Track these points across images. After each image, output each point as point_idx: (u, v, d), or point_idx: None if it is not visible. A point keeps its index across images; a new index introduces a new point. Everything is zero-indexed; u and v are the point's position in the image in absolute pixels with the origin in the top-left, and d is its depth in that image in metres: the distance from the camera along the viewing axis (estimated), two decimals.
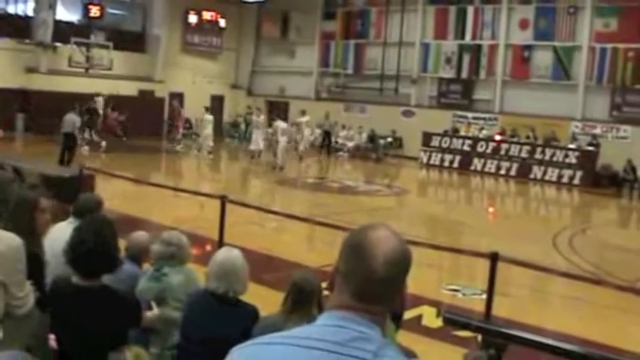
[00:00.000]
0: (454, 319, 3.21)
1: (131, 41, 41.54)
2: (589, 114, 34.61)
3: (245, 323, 5.16)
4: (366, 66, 42.39)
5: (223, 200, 11.97)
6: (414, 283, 10.93)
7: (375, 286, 2.22)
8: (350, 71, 42.95)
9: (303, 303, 5.11)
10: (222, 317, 5.25)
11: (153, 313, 5.73)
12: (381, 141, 38.63)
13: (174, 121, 37.47)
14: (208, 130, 31.81)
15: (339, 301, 2.27)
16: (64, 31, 36.94)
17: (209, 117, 32.44)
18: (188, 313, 5.47)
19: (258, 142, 32.00)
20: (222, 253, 5.56)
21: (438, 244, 12.58)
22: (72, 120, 24.58)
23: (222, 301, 5.28)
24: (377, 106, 40.40)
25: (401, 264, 2.26)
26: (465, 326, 3.13)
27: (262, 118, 34.42)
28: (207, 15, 44.57)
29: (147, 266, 6.42)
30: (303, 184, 25.29)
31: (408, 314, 9.30)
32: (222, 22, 45.41)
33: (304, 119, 33.76)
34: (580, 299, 11.69)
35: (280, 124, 30.13)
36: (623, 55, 33.84)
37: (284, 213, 13.43)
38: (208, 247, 12.34)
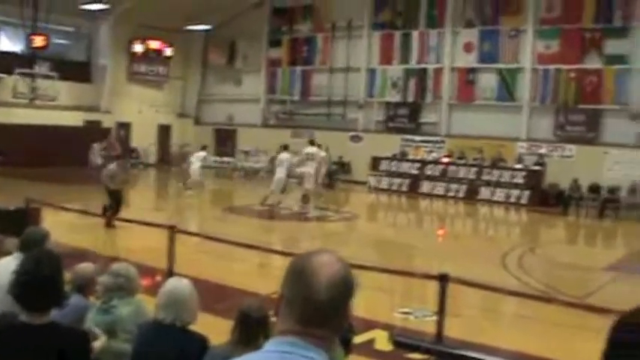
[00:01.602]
0: (404, 342, 3.20)
1: (76, 71, 41.05)
2: (534, 134, 35.08)
3: (194, 353, 5.10)
4: (313, 92, 42.52)
5: (172, 230, 11.87)
6: (365, 307, 10.95)
7: (319, 310, 2.21)
8: (297, 97, 43.05)
9: (251, 331, 5.06)
10: (171, 348, 5.18)
11: (100, 342, 5.63)
12: (332, 166, 38.68)
13: (109, 151, 36.81)
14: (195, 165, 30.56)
15: (284, 326, 2.26)
16: (7, 62, 36.34)
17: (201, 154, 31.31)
18: (137, 344, 5.40)
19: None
20: (171, 283, 5.51)
21: (389, 267, 12.58)
22: None
23: (171, 331, 5.21)
24: (325, 131, 40.44)
25: (344, 288, 2.26)
26: (415, 349, 3.12)
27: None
28: (153, 44, 44.32)
29: (93, 299, 6.32)
30: (252, 211, 25.17)
31: (360, 338, 9.27)
32: (168, 51, 45.20)
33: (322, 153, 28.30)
34: (531, 317, 11.76)
35: (282, 155, 27.31)
36: (566, 75, 34.43)
37: (233, 241, 13.33)
38: (158, 278, 12.21)
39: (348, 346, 4.27)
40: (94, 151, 34.83)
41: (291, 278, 2.29)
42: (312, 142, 28.34)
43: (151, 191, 30.77)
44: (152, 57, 44.60)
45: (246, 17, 43.52)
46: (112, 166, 20.79)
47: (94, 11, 39.57)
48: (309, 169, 25.92)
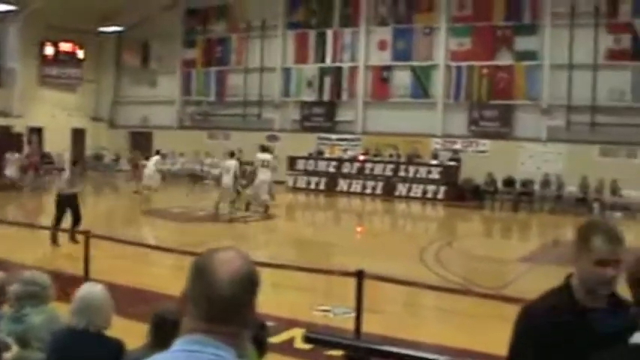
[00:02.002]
0: (315, 339, 3.21)
1: None
2: (449, 130, 35.59)
3: (110, 358, 5.02)
4: (228, 93, 42.33)
5: (87, 235, 11.68)
6: (285, 307, 10.91)
7: (222, 306, 2.21)
8: (212, 98, 42.79)
9: (166, 334, 4.97)
10: (86, 354, 5.08)
11: (12, 352, 5.50)
12: (247, 167, 38.53)
13: (31, 158, 36.08)
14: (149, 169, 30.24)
15: (190, 325, 2.26)
16: None
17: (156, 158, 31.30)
18: (51, 352, 5.28)
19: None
20: (84, 289, 5.40)
21: (308, 266, 12.58)
22: None
23: (84, 336, 5.11)
24: (241, 132, 40.34)
25: (247, 284, 2.26)
26: (326, 344, 3.14)
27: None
28: (64, 46, 43.42)
29: (6, 308, 6.16)
30: (170, 214, 24.94)
31: (279, 338, 9.28)
32: (80, 54, 44.37)
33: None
34: (450, 310, 11.89)
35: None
36: (478, 72, 35.03)
37: (149, 244, 13.18)
38: (74, 284, 11.97)
39: (262, 346, 4.23)
40: (9, 163, 33.96)
41: (194, 276, 2.28)
42: (264, 149, 28.28)
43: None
44: (64, 59, 43.70)
45: (160, 18, 43.07)
46: (67, 173, 19.88)
47: (1, 12, 38.67)
48: (264, 177, 26.10)
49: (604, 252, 3.29)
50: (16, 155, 34.65)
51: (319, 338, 3.20)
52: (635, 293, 2.90)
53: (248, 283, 2.27)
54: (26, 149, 38.46)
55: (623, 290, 3.18)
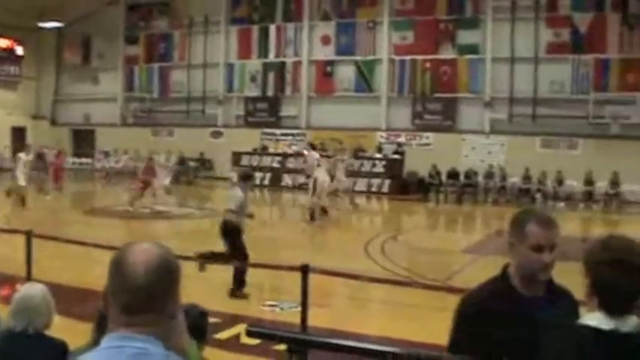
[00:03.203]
0: (257, 332, 3.21)
1: None
2: (393, 124, 35.81)
3: (52, 358, 4.92)
4: (171, 89, 42.04)
5: (28, 235, 11.49)
6: (232, 302, 10.83)
7: (139, 297, 2.21)
8: (156, 95, 42.46)
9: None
10: (26, 355, 4.98)
11: None
12: (191, 163, 38.36)
13: None
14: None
15: (114, 320, 2.25)
16: None
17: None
18: None
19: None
20: (22, 290, 5.29)
21: (254, 261, 12.54)
22: None
23: (24, 338, 5.01)
24: (185, 128, 40.13)
25: (163, 272, 2.25)
26: (268, 337, 3.15)
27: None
28: (2, 43, 42.67)
29: None
30: (113, 212, 24.65)
31: (226, 334, 9.22)
32: (19, 50, 43.70)
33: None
34: (396, 302, 11.93)
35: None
36: (421, 65, 35.25)
37: (91, 243, 12.99)
38: (16, 286, 11.77)
39: (202, 334, 4.19)
40: None
41: (112, 271, 2.27)
42: (313, 147, 28.35)
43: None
44: (2, 57, 42.99)
45: (101, 14, 42.55)
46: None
47: None
48: (320, 175, 24.11)
49: (539, 237, 3.35)
50: None
51: (261, 332, 3.20)
52: (589, 276, 2.93)
53: (164, 273, 2.25)
54: None
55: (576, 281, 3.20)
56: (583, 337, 2.84)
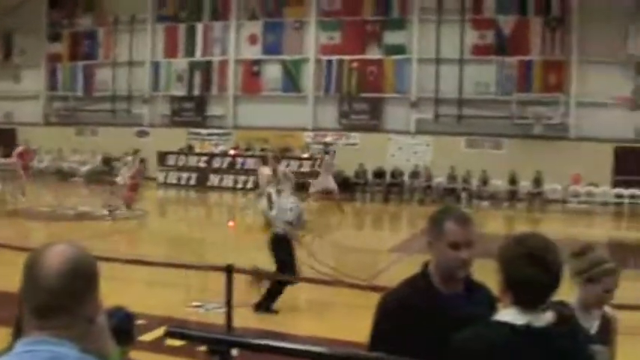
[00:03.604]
0: (177, 333, 3.18)
1: None
2: (320, 123, 35.91)
3: None
4: (96, 87, 41.38)
5: None
6: (158, 305, 10.69)
7: (51, 300, 2.15)
8: (80, 94, 41.71)
9: None
10: None
11: None
12: (116, 163, 37.86)
13: None
14: None
15: (27, 324, 2.20)
16: None
17: None
18: None
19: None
20: None
21: (178, 262, 12.40)
22: None
23: None
24: (110, 127, 39.58)
25: (77, 274, 2.20)
26: (188, 338, 3.13)
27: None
28: None
29: None
30: (35, 214, 24.18)
31: (151, 335, 9.10)
32: None
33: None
34: (322, 302, 11.95)
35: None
36: (348, 66, 35.41)
37: (9, 245, 12.71)
38: None
39: (129, 337, 4.11)
40: None
41: (25, 273, 2.22)
42: (264, 161, 26.95)
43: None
44: None
45: (23, 10, 41.52)
46: None
47: None
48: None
49: (456, 234, 3.41)
50: None
51: (181, 333, 3.18)
52: (503, 272, 2.97)
53: (79, 275, 2.20)
54: None
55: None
56: (496, 333, 2.87)
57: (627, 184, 31.70)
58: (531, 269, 2.86)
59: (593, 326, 4.17)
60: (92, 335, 2.26)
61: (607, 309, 4.30)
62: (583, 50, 32.45)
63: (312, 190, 27.38)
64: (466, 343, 2.90)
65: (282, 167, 23.67)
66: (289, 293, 12.65)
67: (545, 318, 2.91)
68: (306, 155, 33.63)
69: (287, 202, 12.54)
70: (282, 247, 11.82)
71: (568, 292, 4.17)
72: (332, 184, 27.54)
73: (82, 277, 2.20)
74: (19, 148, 31.34)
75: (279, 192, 18.85)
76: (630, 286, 10.79)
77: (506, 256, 2.96)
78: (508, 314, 2.90)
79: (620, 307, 5.51)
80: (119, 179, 26.91)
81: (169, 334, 3.21)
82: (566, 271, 3.36)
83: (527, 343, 2.82)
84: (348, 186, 32.05)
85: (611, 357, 4.27)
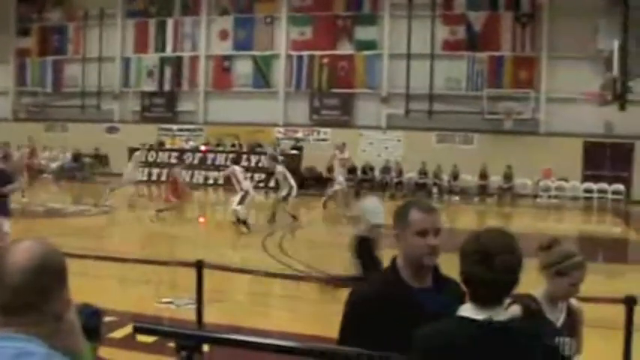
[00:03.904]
0: (143, 328, 3.17)
1: None
2: (291, 119, 35.92)
3: None
4: (66, 83, 41.09)
5: None
6: (129, 301, 10.63)
7: (16, 297, 2.14)
8: (49, 89, 41.37)
9: None
10: None
11: None
12: (86, 159, 37.63)
13: None
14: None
15: None
16: None
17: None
18: None
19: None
20: None
21: (149, 258, 12.35)
22: None
23: None
24: (79, 123, 39.30)
25: (43, 271, 2.18)
26: (155, 334, 3.12)
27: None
28: None
29: None
30: None
31: (121, 332, 9.04)
32: None
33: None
34: (294, 297, 11.94)
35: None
36: (319, 61, 35.41)
37: None
38: None
39: (96, 334, 4.09)
40: None
41: None
42: (235, 161, 25.41)
43: None
44: None
45: None
46: None
47: None
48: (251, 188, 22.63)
49: (423, 222, 3.44)
50: None
51: (148, 328, 3.17)
52: (461, 268, 2.98)
53: (45, 272, 2.19)
54: None
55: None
56: (457, 328, 2.87)
57: (596, 179, 32.04)
58: (483, 268, 2.87)
59: (559, 318, 4.22)
60: (61, 332, 2.25)
61: (573, 301, 4.35)
62: (553, 46, 32.72)
63: (335, 188, 26.95)
64: (427, 338, 2.91)
65: (280, 167, 23.34)
66: (260, 288, 12.65)
67: (508, 312, 2.92)
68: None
69: (375, 204, 12.00)
70: (366, 250, 11.19)
71: (535, 284, 4.21)
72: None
73: (48, 274, 2.19)
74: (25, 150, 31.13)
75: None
76: (599, 280, 10.86)
77: (463, 253, 2.98)
78: (469, 309, 2.91)
79: (588, 299, 5.56)
80: (126, 178, 26.54)
81: (137, 330, 3.21)
82: (532, 265, 3.39)
83: (488, 338, 2.82)
84: (319, 182, 32.05)
85: (577, 348, 4.31)
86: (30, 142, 35.80)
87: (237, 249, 17.05)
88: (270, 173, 26.09)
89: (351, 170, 32.34)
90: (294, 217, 22.64)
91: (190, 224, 23.89)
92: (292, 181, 22.70)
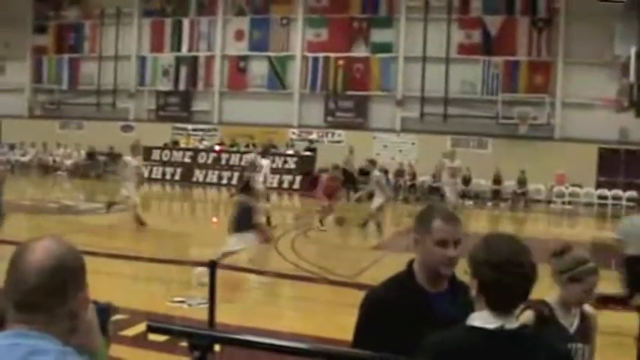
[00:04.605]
0: (157, 328, 3.17)
1: None
2: (305, 120, 35.90)
3: None
4: (81, 81, 41.24)
5: None
6: (141, 299, 10.63)
7: (31, 295, 2.15)
8: (65, 87, 41.52)
9: None
10: None
11: None
12: (101, 157, 37.72)
13: None
14: None
15: (10, 318, 2.19)
16: None
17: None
18: None
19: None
20: None
21: (163, 257, 12.36)
22: None
23: None
24: (95, 121, 39.42)
25: (57, 271, 2.19)
26: (169, 333, 3.11)
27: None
28: None
29: None
30: (17, 206, 24.02)
31: (133, 330, 9.05)
32: None
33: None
34: (305, 299, 11.92)
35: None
36: (334, 63, 35.40)
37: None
38: None
39: (103, 331, 4.10)
40: None
41: (9, 268, 2.21)
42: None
43: None
44: None
45: (9, 1, 41.34)
46: None
47: None
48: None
49: (444, 232, 3.43)
50: None
51: (162, 327, 3.17)
52: (473, 275, 2.97)
53: (60, 271, 2.19)
54: None
55: None
56: (467, 336, 2.86)
57: (611, 185, 31.91)
58: (499, 274, 2.85)
59: (573, 324, 4.21)
60: (77, 331, 2.26)
61: (586, 307, 4.34)
62: (569, 51, 32.65)
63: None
64: (436, 346, 2.89)
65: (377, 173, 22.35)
66: (272, 289, 12.65)
67: (521, 319, 2.91)
68: (290, 152, 33.62)
69: None
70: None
71: (547, 291, 4.20)
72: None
73: (63, 274, 2.20)
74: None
75: None
76: (613, 287, 10.79)
77: (475, 260, 2.96)
78: (481, 317, 2.89)
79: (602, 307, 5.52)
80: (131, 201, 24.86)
81: (150, 329, 3.21)
82: (545, 270, 3.38)
83: (499, 346, 2.81)
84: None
85: (591, 354, 4.30)
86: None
87: (250, 249, 17.06)
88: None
89: (365, 173, 32.30)
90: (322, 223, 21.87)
91: (204, 224, 23.90)
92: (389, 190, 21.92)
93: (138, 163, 21.14)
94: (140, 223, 19.61)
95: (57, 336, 2.15)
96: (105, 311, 4.12)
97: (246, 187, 14.48)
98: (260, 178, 21.29)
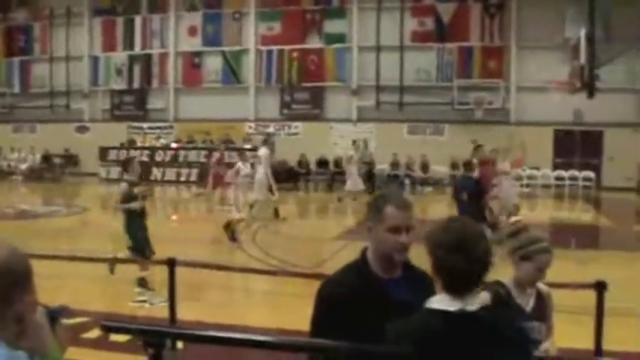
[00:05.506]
0: (112, 327, 3.16)
1: None
2: (262, 114, 35.87)
3: None
4: (33, 83, 40.72)
5: None
6: (103, 301, 10.54)
7: None
8: (17, 90, 40.96)
9: None
10: None
11: None
12: (56, 160, 37.36)
13: None
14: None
15: None
16: None
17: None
18: None
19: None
20: None
21: (121, 257, 12.26)
22: None
23: None
24: (48, 124, 38.99)
25: (1, 275, 2.18)
26: (122, 331, 3.10)
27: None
28: None
29: None
30: None
31: (95, 332, 8.99)
32: None
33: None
34: (268, 292, 11.94)
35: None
36: (289, 55, 35.37)
37: None
38: None
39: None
40: None
41: None
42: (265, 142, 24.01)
43: None
44: None
45: None
46: None
47: None
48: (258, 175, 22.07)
49: (396, 219, 3.44)
50: None
51: (115, 326, 3.16)
52: (430, 258, 2.98)
53: (3, 274, 2.18)
54: None
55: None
56: (429, 321, 2.87)
57: (567, 167, 32.32)
58: (455, 258, 2.87)
59: (528, 303, 4.27)
60: (25, 334, 2.23)
61: (541, 286, 4.39)
62: (521, 36, 32.94)
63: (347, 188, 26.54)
64: (400, 333, 2.90)
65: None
66: (234, 284, 12.63)
67: (479, 300, 2.92)
68: (248, 146, 33.51)
69: None
70: None
71: (505, 272, 4.23)
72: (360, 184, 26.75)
73: (8, 277, 2.17)
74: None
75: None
76: (571, 266, 10.93)
77: (431, 243, 2.97)
78: (441, 301, 2.90)
79: (560, 285, 5.59)
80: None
81: (104, 329, 3.18)
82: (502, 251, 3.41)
83: (461, 329, 2.83)
84: (291, 176, 32.08)
85: (547, 333, 4.35)
86: None
87: (211, 245, 17.01)
88: None
89: (323, 164, 32.35)
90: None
91: (163, 221, 23.76)
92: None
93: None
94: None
95: (4, 340, 2.12)
96: (57, 314, 4.08)
97: None
98: (261, 169, 21.59)
